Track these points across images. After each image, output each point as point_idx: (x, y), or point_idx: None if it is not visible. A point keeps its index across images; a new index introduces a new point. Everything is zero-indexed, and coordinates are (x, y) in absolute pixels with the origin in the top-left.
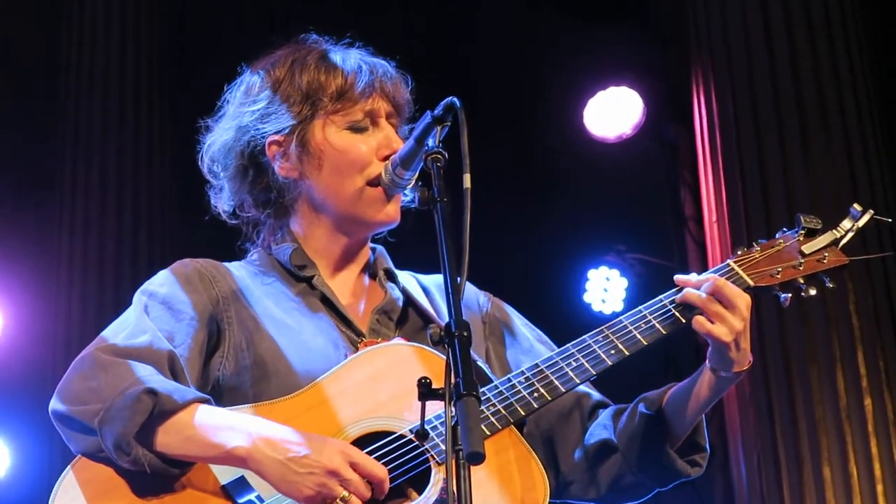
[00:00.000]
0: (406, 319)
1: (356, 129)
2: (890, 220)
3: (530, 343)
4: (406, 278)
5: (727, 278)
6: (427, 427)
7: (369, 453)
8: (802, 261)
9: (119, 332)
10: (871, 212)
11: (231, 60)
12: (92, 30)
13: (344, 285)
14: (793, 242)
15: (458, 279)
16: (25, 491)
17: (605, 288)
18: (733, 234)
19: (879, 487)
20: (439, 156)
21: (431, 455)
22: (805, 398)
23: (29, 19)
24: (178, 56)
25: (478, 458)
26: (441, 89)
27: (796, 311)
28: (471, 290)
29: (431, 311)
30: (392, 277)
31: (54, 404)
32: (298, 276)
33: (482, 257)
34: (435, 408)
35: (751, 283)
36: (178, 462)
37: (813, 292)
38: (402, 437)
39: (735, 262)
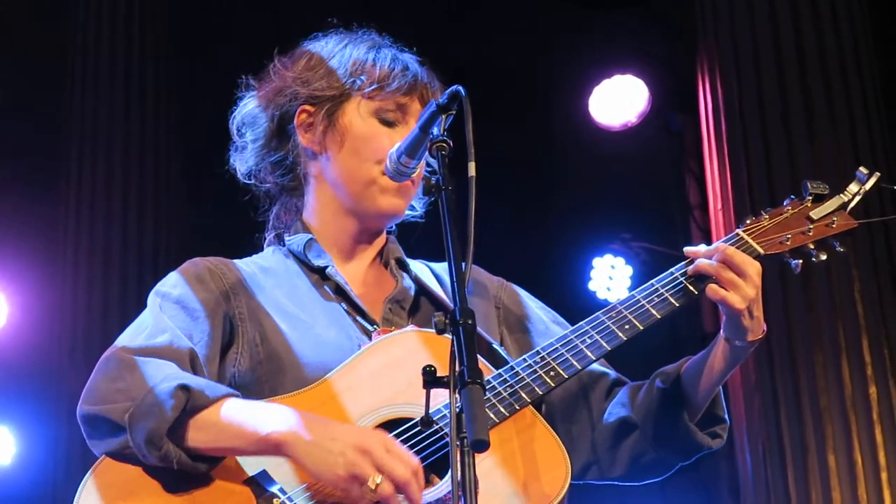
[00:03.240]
0: (418, 308)
1: (385, 120)
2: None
3: (546, 325)
4: (419, 267)
5: (737, 247)
6: (445, 411)
7: None
8: (811, 226)
9: (138, 334)
10: (878, 174)
11: (238, 52)
12: (98, 21)
13: (356, 274)
14: (801, 209)
15: (463, 267)
16: (31, 478)
17: (609, 276)
18: (738, 222)
19: (884, 475)
20: (444, 144)
21: None
22: (810, 387)
23: (35, 11)
24: (184, 48)
25: (482, 445)
26: (445, 78)
27: (801, 299)
28: (484, 277)
29: (445, 298)
30: (404, 266)
31: (81, 408)
32: (312, 266)
33: (487, 246)
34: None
35: (761, 251)
36: (205, 458)
37: (824, 257)
38: (421, 421)
39: (744, 231)
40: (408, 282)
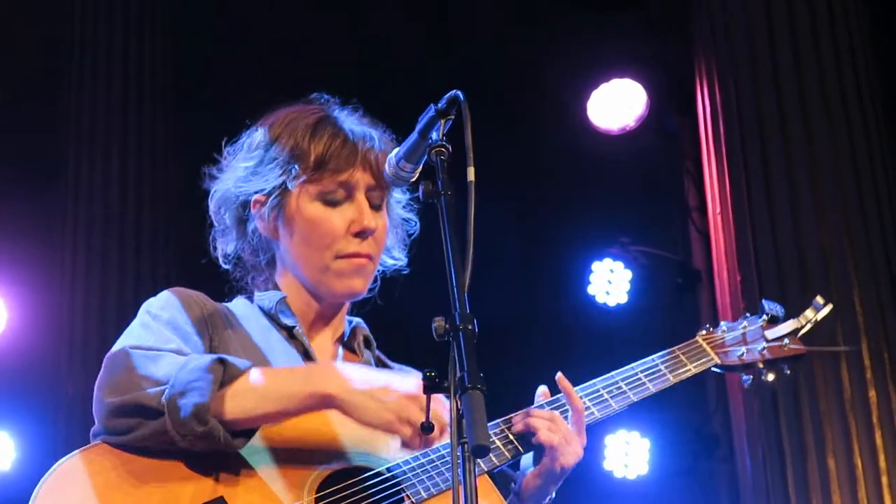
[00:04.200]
0: None
1: (329, 201)
2: (847, 348)
3: None
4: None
5: (695, 352)
6: (404, 466)
7: (345, 488)
8: (766, 346)
9: (145, 338)
10: (832, 305)
11: (235, 54)
12: (95, 21)
13: (321, 347)
14: (756, 327)
15: (464, 273)
16: (30, 483)
17: (609, 280)
18: (737, 224)
19: (884, 479)
20: (443, 149)
21: (407, 495)
22: (809, 390)
23: (33, 10)
24: (182, 48)
25: (483, 451)
26: (444, 82)
27: (800, 302)
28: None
29: None
30: (369, 345)
31: (107, 400)
32: (281, 322)
33: (485, 251)
34: (409, 452)
35: (717, 360)
36: (241, 433)
37: (771, 378)
38: (378, 474)
39: (703, 339)
40: (369, 357)
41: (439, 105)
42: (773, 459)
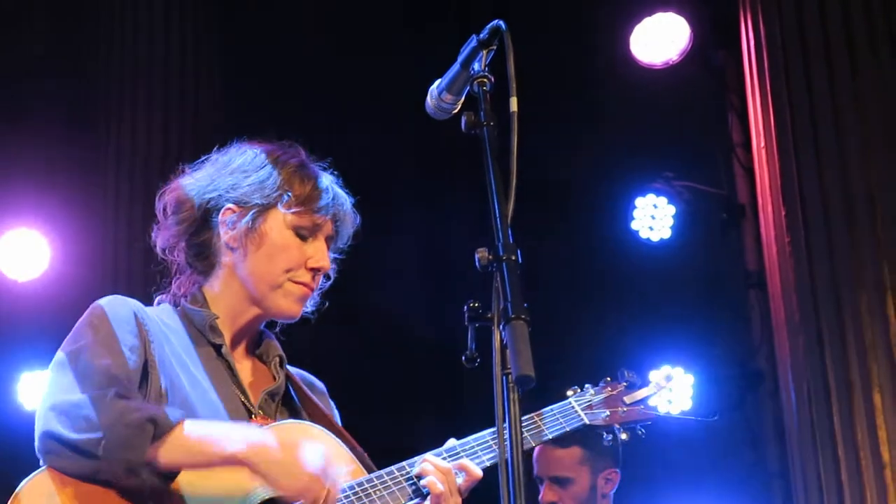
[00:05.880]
0: (286, 403)
1: (299, 234)
2: (697, 417)
3: None
4: (292, 369)
5: (568, 412)
6: (340, 495)
7: None
8: (626, 409)
9: (90, 357)
10: (679, 378)
11: None
12: None
13: (241, 359)
14: (618, 392)
15: (507, 204)
16: None
17: (652, 215)
18: (781, 159)
19: None
20: (485, 79)
21: None
22: (854, 325)
23: None
24: None
25: (527, 381)
26: (486, 18)
27: (845, 238)
28: (320, 388)
29: (312, 395)
30: (282, 363)
31: (49, 425)
32: (209, 339)
33: (527, 186)
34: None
35: (587, 421)
36: (170, 475)
37: (624, 437)
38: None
39: (574, 402)
40: (282, 379)
41: (481, 35)
42: (819, 394)
